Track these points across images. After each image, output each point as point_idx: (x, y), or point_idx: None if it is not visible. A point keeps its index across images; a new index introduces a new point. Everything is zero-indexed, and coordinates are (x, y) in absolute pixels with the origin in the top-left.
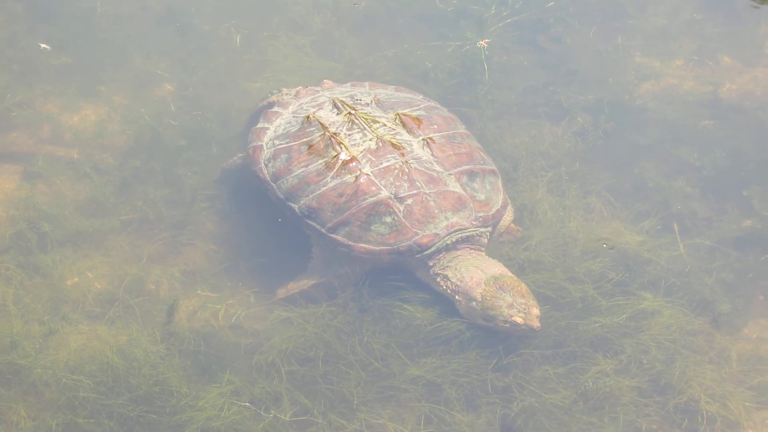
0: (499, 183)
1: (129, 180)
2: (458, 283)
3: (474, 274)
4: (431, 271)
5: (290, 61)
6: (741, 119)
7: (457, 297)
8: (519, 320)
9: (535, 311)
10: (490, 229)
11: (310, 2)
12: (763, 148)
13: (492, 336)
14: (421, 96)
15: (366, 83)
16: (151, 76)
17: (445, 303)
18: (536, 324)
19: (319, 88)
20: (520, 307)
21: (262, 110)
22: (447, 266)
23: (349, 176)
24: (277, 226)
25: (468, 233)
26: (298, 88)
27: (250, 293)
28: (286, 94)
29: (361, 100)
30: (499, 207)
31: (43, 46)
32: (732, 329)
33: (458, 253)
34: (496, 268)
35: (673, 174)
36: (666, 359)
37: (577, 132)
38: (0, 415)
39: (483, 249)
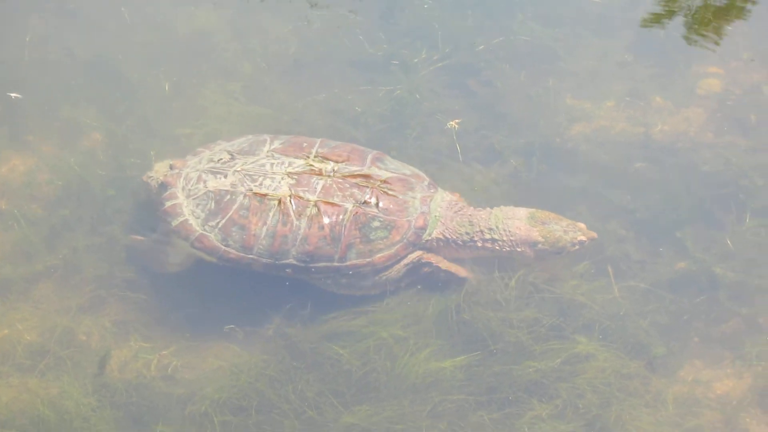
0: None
1: (58, 230)
2: (511, 238)
3: (515, 224)
4: (479, 244)
5: (220, 107)
6: (673, 160)
7: (519, 249)
8: (583, 238)
9: (581, 224)
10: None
11: (239, 48)
12: (696, 190)
13: (422, 380)
14: (250, 135)
15: (202, 148)
16: (79, 124)
17: (376, 333)
18: (593, 233)
19: (175, 171)
20: (570, 229)
21: (159, 207)
22: (484, 232)
23: (309, 210)
24: (204, 277)
25: (439, 196)
26: (162, 181)
27: (184, 343)
28: (155, 182)
29: (221, 159)
30: (422, 173)
31: (13, 95)
32: (667, 372)
33: (462, 220)
34: (519, 210)
35: (606, 217)
36: (602, 403)
37: (510, 175)
38: None
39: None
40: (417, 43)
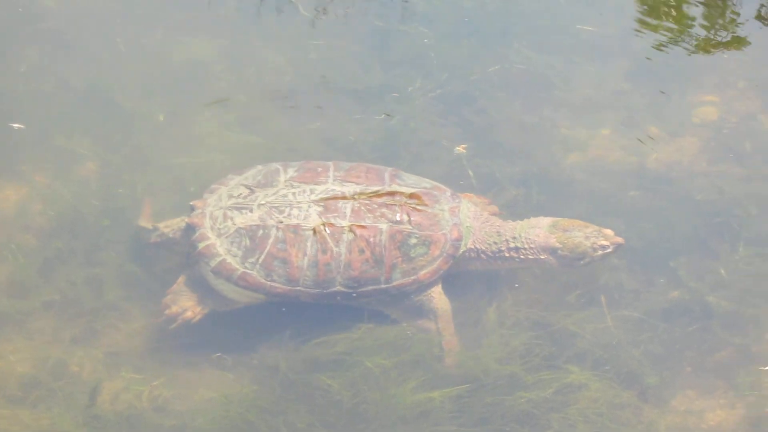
0: None
1: (51, 261)
2: (531, 245)
3: (535, 232)
4: (506, 254)
5: (215, 137)
6: (667, 189)
7: (542, 256)
8: (605, 242)
9: (607, 231)
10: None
11: (234, 78)
12: (690, 219)
13: (411, 411)
14: (259, 165)
15: (217, 185)
16: (73, 154)
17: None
18: (620, 239)
19: (198, 211)
20: (593, 235)
21: (192, 250)
22: (509, 241)
23: (345, 235)
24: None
25: (464, 205)
26: (187, 223)
27: (175, 374)
28: (173, 231)
29: (241, 194)
30: (441, 185)
31: (16, 126)
32: (660, 402)
33: (490, 230)
34: (543, 219)
35: None
36: None
37: (508, 204)
38: None
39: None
40: (412, 72)
